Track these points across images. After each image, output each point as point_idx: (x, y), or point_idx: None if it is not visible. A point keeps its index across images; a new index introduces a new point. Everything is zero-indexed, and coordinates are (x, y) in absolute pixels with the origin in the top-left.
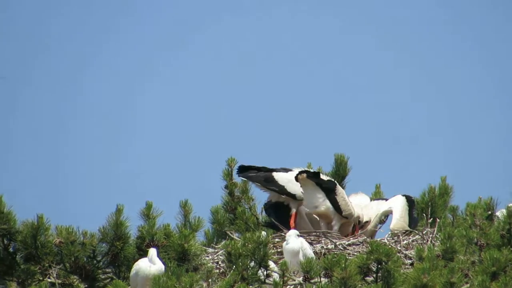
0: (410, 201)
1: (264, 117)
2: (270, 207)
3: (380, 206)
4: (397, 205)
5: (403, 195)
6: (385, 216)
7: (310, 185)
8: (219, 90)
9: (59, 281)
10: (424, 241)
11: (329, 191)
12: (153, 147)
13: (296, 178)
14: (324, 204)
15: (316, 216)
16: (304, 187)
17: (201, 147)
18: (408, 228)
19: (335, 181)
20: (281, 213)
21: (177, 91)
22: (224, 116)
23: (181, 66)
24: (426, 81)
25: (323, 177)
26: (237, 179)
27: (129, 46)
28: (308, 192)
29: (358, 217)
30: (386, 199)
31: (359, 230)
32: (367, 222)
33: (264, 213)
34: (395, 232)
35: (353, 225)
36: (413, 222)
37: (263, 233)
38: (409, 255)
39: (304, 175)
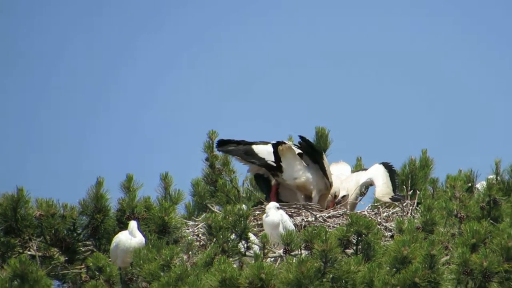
0: (388, 167)
1: (245, 91)
2: (254, 179)
3: (360, 177)
4: (378, 174)
5: (381, 163)
6: (366, 188)
7: (290, 155)
8: (199, 61)
9: (39, 254)
10: (404, 213)
11: (319, 156)
12: (133, 119)
13: (275, 150)
14: (304, 175)
15: (295, 189)
16: (283, 158)
17: (182, 119)
18: (393, 194)
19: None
20: (261, 185)
21: (157, 63)
22: (205, 88)
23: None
24: (408, 52)
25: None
26: (218, 151)
27: (109, 28)
28: (288, 163)
29: (335, 192)
30: (366, 169)
31: (337, 204)
32: (345, 197)
33: (245, 185)
34: (381, 199)
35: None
36: (396, 188)
37: (244, 206)
38: (389, 227)
39: (284, 145)
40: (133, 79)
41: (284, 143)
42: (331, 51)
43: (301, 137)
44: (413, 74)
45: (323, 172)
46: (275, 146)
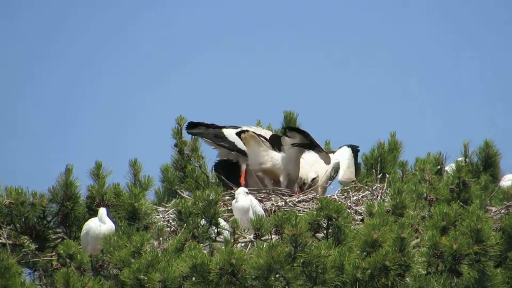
0: (355, 150)
1: (213, 75)
2: (219, 165)
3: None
4: (344, 157)
5: (348, 146)
6: (335, 172)
7: (254, 142)
8: (169, 48)
9: (10, 242)
10: (374, 197)
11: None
12: (101, 106)
13: (239, 137)
14: (270, 161)
15: (262, 174)
16: (247, 145)
17: (150, 105)
18: (355, 179)
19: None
20: (231, 171)
21: (128, 50)
22: (174, 74)
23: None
24: (375, 32)
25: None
26: (187, 137)
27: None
28: (252, 150)
29: (302, 179)
30: (333, 152)
31: (307, 188)
32: (315, 179)
33: (214, 171)
34: (344, 183)
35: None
36: (357, 171)
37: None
38: (359, 211)
39: (247, 133)
40: (101, 64)
41: (247, 131)
42: (300, 34)
43: (287, 126)
44: (380, 56)
45: (319, 149)
46: (238, 134)
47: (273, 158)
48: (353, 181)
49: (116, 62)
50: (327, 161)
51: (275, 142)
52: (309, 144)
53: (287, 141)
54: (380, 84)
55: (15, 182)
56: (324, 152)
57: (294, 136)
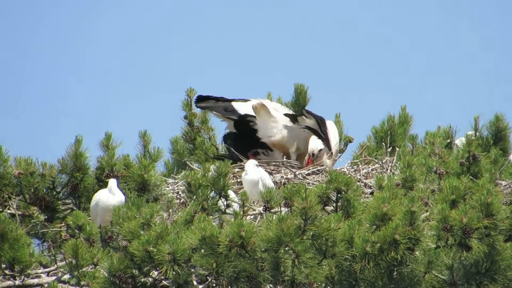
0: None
1: (224, 48)
2: (229, 137)
3: (336, 136)
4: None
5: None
6: (345, 145)
7: (264, 113)
8: (177, 19)
9: (19, 212)
10: (384, 170)
11: (322, 123)
12: (111, 78)
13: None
14: (280, 134)
15: (272, 147)
16: (258, 115)
17: (160, 77)
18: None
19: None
20: (240, 142)
21: (133, 18)
22: (183, 46)
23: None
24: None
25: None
26: (197, 109)
27: None
28: (262, 120)
29: (312, 150)
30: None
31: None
32: (321, 150)
33: (224, 142)
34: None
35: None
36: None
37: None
38: (369, 184)
39: (258, 103)
40: (110, 34)
41: (256, 102)
42: (311, 10)
43: (304, 109)
44: (394, 30)
45: (327, 144)
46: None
47: (282, 131)
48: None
49: (126, 30)
50: (328, 153)
51: (291, 117)
52: (318, 133)
53: (303, 120)
54: (391, 57)
55: (25, 152)
56: (329, 146)
57: (310, 119)
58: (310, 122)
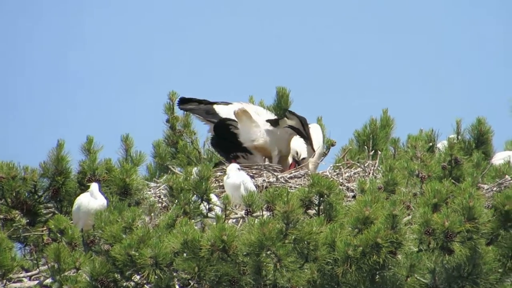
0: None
1: (206, 51)
2: (213, 139)
3: (320, 139)
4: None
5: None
6: (328, 149)
7: (245, 118)
8: (161, 24)
9: (1, 216)
10: (366, 174)
11: (304, 123)
12: (94, 81)
13: (235, 114)
14: (262, 138)
15: (254, 151)
16: (239, 120)
17: (142, 81)
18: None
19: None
20: (224, 146)
21: (118, 21)
22: (166, 49)
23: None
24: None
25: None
26: (179, 113)
27: None
28: (244, 125)
29: (296, 152)
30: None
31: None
32: (304, 159)
33: (206, 146)
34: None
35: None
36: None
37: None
38: (351, 187)
39: (239, 108)
40: (92, 35)
41: (238, 108)
42: (294, 10)
43: (286, 110)
44: (375, 32)
45: (310, 143)
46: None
47: (265, 135)
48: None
49: (108, 34)
50: (311, 154)
51: (272, 122)
52: (301, 132)
53: (285, 122)
54: (374, 59)
55: (6, 157)
56: (311, 146)
57: (293, 119)
58: (292, 122)
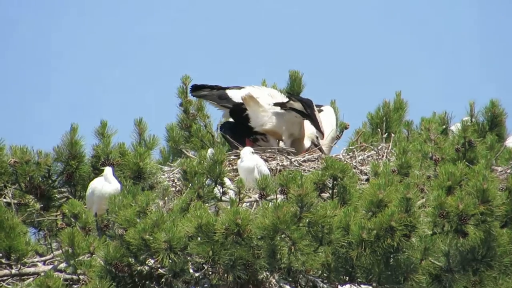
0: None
1: (220, 35)
2: (225, 126)
3: (333, 122)
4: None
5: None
6: (341, 131)
7: (253, 104)
8: (172, 7)
9: (15, 201)
10: (380, 157)
11: (308, 106)
12: (106, 66)
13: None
14: (270, 122)
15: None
16: (248, 106)
17: (156, 64)
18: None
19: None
20: (236, 131)
21: (134, 8)
22: (179, 33)
23: None
24: None
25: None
26: (192, 97)
27: None
28: (252, 110)
29: (316, 136)
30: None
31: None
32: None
33: (219, 130)
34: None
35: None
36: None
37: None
38: (365, 170)
39: (246, 94)
40: (107, 24)
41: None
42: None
43: (289, 93)
44: (388, 16)
45: (315, 124)
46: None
47: (273, 119)
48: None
49: (122, 18)
50: (321, 137)
51: (279, 105)
52: (304, 114)
53: (291, 104)
54: (387, 43)
55: (20, 141)
56: (318, 128)
57: (296, 102)
58: (297, 105)
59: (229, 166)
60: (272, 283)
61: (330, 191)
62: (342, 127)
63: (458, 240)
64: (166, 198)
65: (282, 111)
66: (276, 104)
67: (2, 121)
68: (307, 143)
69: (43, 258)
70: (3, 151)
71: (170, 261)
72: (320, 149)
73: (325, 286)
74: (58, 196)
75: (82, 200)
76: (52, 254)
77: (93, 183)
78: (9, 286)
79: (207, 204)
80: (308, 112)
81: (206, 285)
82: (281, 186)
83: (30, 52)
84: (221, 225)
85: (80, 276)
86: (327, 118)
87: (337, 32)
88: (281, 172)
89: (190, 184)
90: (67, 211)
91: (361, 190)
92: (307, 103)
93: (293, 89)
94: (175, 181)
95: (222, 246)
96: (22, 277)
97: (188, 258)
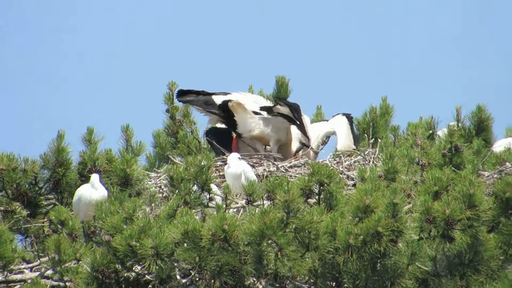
0: (350, 119)
1: (205, 41)
2: (211, 131)
3: (322, 128)
4: (341, 125)
5: (343, 114)
6: (327, 137)
7: (241, 110)
8: (160, 13)
9: (2, 208)
10: (366, 162)
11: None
12: (94, 72)
13: (227, 106)
14: (258, 128)
15: (254, 140)
16: (235, 113)
17: (142, 71)
18: (355, 147)
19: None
20: (222, 137)
21: (119, 14)
22: (165, 39)
23: None
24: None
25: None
26: (179, 102)
27: None
28: (240, 117)
29: (299, 140)
30: (327, 120)
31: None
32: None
33: (205, 136)
34: (343, 152)
35: (296, 149)
36: (356, 139)
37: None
38: (351, 176)
39: (233, 101)
40: (93, 29)
41: (230, 100)
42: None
43: (277, 97)
44: (373, 21)
45: (302, 129)
46: (225, 103)
47: (260, 124)
48: (353, 149)
49: (107, 22)
50: (307, 142)
51: (266, 109)
52: (291, 119)
53: (277, 109)
54: (372, 49)
55: (5, 148)
56: (304, 133)
57: (284, 107)
58: (284, 110)
59: (215, 172)
60: None
61: (317, 197)
62: (329, 133)
63: (445, 245)
64: (153, 205)
65: (269, 116)
66: (262, 108)
67: None
68: (294, 147)
69: (30, 265)
70: None
71: (157, 267)
72: (311, 149)
73: None
74: (45, 203)
75: (68, 206)
76: (39, 260)
77: (80, 190)
78: None
79: (193, 210)
80: (296, 116)
81: None
82: (267, 192)
83: (17, 57)
84: (208, 231)
85: (66, 283)
86: (316, 126)
87: (323, 37)
88: (268, 178)
89: (177, 190)
90: (53, 217)
91: (347, 195)
92: (295, 108)
93: (280, 95)
94: (162, 187)
95: (208, 252)
96: (9, 284)
97: (175, 264)
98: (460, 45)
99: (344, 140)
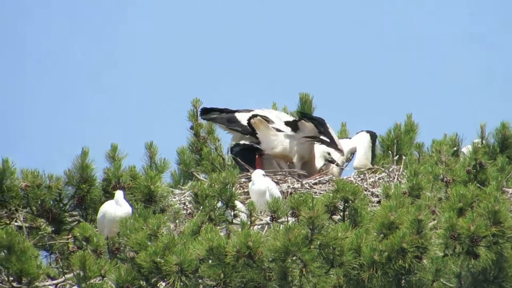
0: (373, 137)
1: (229, 58)
2: (235, 148)
3: (345, 144)
4: (362, 143)
5: (367, 132)
6: (351, 154)
7: (263, 127)
8: (185, 31)
9: (26, 225)
10: (391, 179)
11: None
12: (117, 89)
13: (249, 123)
14: (281, 145)
15: (277, 158)
16: (258, 130)
17: (166, 88)
18: (370, 166)
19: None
20: (246, 154)
21: (142, 31)
22: (190, 56)
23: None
24: (390, 15)
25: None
26: (202, 119)
27: None
28: (262, 134)
29: (328, 153)
30: (350, 138)
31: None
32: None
33: (230, 153)
34: (358, 169)
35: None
36: (373, 157)
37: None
38: (376, 193)
39: (256, 118)
40: (116, 47)
41: (256, 115)
42: (316, 17)
43: (301, 113)
44: (397, 38)
45: (331, 145)
46: (249, 120)
47: (283, 142)
48: (368, 168)
49: (133, 40)
50: (341, 153)
51: (291, 125)
52: (318, 138)
53: (303, 124)
54: (398, 66)
55: (31, 164)
56: (335, 146)
57: (308, 122)
58: (309, 126)
59: (240, 189)
60: None
61: (342, 213)
62: (352, 150)
63: (470, 261)
64: (177, 221)
65: (292, 133)
66: (287, 124)
67: None
68: (318, 164)
69: (54, 282)
70: (14, 175)
71: (182, 283)
72: (337, 164)
73: None
74: (69, 220)
75: (93, 223)
76: (63, 277)
77: (104, 207)
78: None
79: (218, 227)
80: (322, 130)
81: None
82: (292, 208)
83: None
84: (232, 247)
85: None
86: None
87: (348, 54)
88: (292, 194)
89: (201, 207)
90: (78, 234)
91: (372, 212)
92: (320, 122)
93: (304, 112)
94: (186, 204)
95: (233, 269)
96: None
97: (200, 280)
98: (485, 62)
99: (361, 157)
